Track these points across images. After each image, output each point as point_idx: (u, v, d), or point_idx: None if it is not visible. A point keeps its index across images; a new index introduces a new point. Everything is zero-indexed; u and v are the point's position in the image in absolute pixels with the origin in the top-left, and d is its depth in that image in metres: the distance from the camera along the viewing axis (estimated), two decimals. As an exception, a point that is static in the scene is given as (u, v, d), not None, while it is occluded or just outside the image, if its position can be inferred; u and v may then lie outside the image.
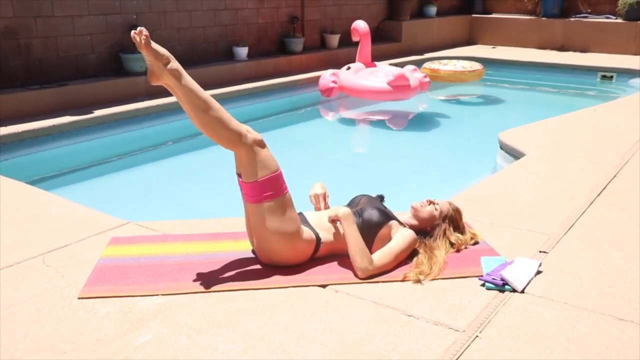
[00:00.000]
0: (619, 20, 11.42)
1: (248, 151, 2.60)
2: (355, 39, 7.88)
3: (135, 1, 7.31)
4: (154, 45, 2.54)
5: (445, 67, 8.31)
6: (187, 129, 6.66)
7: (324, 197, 3.11)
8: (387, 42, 10.86)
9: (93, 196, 4.68)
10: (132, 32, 2.51)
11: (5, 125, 5.58)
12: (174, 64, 2.57)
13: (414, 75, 7.36)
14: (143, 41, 2.49)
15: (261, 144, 2.63)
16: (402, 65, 8.42)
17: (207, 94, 2.60)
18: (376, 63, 7.93)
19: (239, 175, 2.69)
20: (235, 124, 2.61)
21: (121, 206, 4.35)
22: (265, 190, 2.62)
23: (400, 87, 7.03)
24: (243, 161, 2.63)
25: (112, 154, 5.90)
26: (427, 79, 7.57)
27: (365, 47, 7.76)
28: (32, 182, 4.39)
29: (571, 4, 12.14)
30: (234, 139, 2.59)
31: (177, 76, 2.56)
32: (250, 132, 2.63)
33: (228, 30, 8.49)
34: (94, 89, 6.63)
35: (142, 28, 2.50)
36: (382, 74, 7.38)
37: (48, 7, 6.53)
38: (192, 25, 8.00)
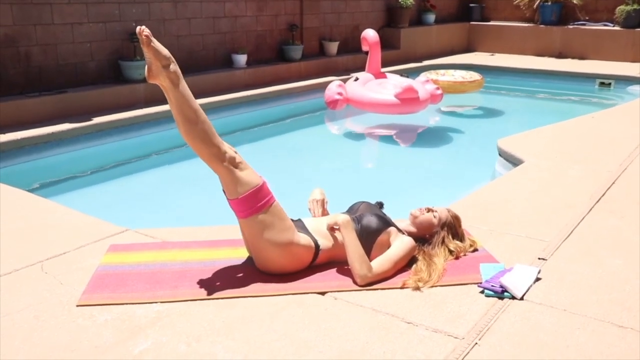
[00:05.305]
0: (617, 28, 11.47)
1: (226, 169, 2.61)
2: (364, 48, 7.56)
3: (134, 9, 7.33)
4: (156, 44, 2.56)
5: (444, 77, 7.96)
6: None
7: (323, 203, 3.11)
8: (386, 50, 10.86)
9: (92, 203, 4.68)
10: (137, 28, 2.54)
11: (5, 133, 5.59)
12: (174, 67, 2.60)
13: (425, 87, 6.99)
14: (144, 38, 2.51)
15: (234, 162, 2.62)
16: (404, 71, 8.20)
17: (197, 105, 2.62)
18: (387, 74, 7.58)
19: (225, 192, 2.70)
20: (218, 140, 2.63)
21: (120, 213, 4.34)
22: (250, 204, 2.62)
23: (408, 100, 6.67)
24: (223, 179, 2.65)
25: (111, 161, 5.90)
26: (440, 91, 7.15)
27: (375, 57, 7.41)
28: (31, 190, 4.39)
29: (569, 11, 12.18)
30: (213, 155, 2.60)
31: (173, 80, 2.58)
32: (227, 152, 2.63)
33: (227, 37, 8.51)
34: (93, 97, 6.64)
35: (144, 27, 2.53)
36: (391, 85, 7.05)
37: (48, 15, 6.54)
38: (191, 33, 8.02)
